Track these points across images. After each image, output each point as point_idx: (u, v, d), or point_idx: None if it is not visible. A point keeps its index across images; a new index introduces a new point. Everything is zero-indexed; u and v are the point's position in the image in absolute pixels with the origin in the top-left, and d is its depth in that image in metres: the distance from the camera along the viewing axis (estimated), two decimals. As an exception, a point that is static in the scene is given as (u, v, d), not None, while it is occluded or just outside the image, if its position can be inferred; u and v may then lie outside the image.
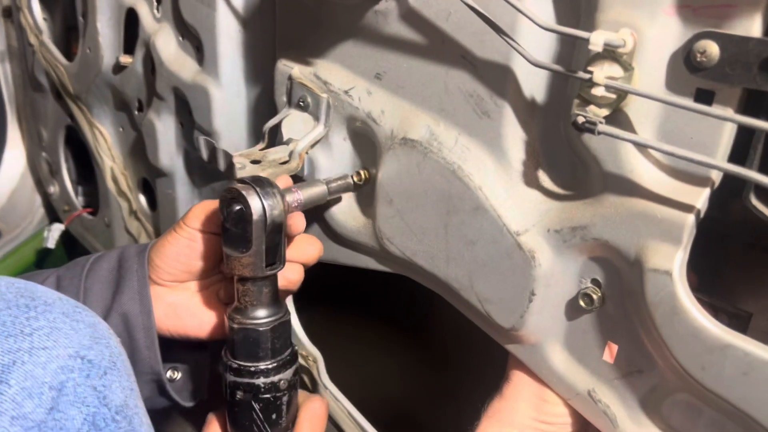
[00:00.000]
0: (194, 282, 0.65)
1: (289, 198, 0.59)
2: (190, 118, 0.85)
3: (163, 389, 0.64)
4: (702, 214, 0.45)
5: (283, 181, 0.62)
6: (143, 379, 0.62)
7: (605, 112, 0.46)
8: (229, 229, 0.55)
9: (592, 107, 0.46)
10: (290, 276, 0.64)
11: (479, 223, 0.56)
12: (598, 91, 0.45)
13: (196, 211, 0.62)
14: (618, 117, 0.46)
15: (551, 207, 0.54)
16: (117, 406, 0.45)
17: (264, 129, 0.68)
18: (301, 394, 0.63)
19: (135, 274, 0.62)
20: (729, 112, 0.41)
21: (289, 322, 0.59)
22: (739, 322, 0.54)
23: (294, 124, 0.67)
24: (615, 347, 0.52)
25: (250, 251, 0.54)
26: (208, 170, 0.91)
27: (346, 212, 0.69)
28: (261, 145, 0.68)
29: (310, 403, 0.62)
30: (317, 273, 0.69)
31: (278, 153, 0.66)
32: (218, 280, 0.66)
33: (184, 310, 0.63)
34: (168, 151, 0.94)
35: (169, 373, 0.66)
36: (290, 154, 0.66)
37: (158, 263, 0.62)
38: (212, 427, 0.62)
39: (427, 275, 0.63)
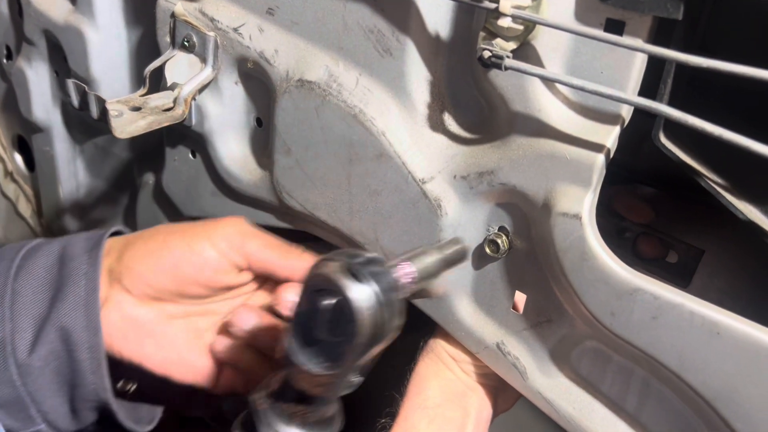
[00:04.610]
0: (172, 305, 0.54)
1: (398, 275, 0.40)
2: (65, 64, 0.76)
3: (110, 416, 0.53)
4: (612, 154, 0.43)
5: None
6: (85, 407, 0.52)
7: (512, 45, 0.43)
8: (309, 331, 0.38)
9: (498, 40, 0.43)
10: None
11: (383, 172, 0.53)
12: (505, 22, 0.41)
13: (230, 232, 0.52)
14: (525, 51, 0.43)
15: (458, 152, 0.51)
16: None
17: (145, 73, 0.61)
18: None
19: (83, 278, 0.49)
20: (639, 43, 0.39)
21: None
22: (690, 258, 0.53)
23: (178, 66, 0.61)
24: (523, 297, 0.50)
25: (336, 371, 0.37)
26: (90, 124, 0.82)
27: (241, 165, 0.64)
28: (142, 91, 0.61)
29: None
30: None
31: (161, 99, 0.59)
32: (203, 312, 0.55)
33: (148, 335, 0.52)
34: (42, 104, 0.84)
35: (120, 384, 0.55)
36: (175, 101, 0.59)
37: (137, 269, 0.51)
38: None
39: (331, 230, 0.59)
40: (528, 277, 0.50)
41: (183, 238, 0.52)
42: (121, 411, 0.54)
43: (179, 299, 0.54)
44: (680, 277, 0.54)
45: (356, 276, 0.36)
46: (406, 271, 0.41)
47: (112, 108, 0.56)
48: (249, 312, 0.55)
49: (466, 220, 0.51)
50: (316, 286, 0.37)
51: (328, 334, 0.37)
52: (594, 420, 0.50)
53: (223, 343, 0.55)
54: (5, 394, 0.49)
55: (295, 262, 0.54)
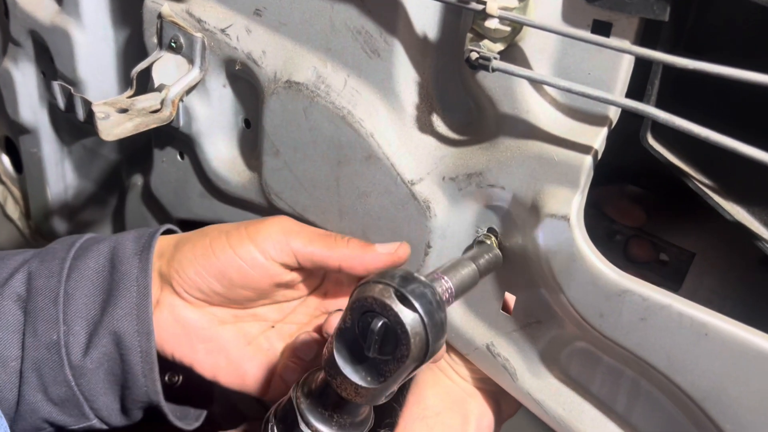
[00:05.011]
0: (222, 309, 0.54)
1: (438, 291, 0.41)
2: (52, 65, 0.76)
3: (160, 414, 0.53)
4: (599, 156, 0.43)
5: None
6: (136, 406, 0.52)
7: (500, 46, 0.42)
8: (355, 346, 0.39)
9: (486, 42, 0.42)
10: None
11: (372, 173, 0.52)
12: (492, 24, 0.41)
13: (273, 232, 0.51)
14: (513, 52, 0.43)
15: (446, 153, 0.50)
16: None
17: (132, 74, 0.60)
18: None
19: (134, 282, 0.50)
20: (626, 44, 0.38)
21: None
22: (681, 261, 0.53)
23: (166, 68, 0.60)
24: (513, 298, 0.50)
25: (379, 385, 0.39)
26: (78, 125, 0.82)
27: (229, 166, 0.64)
28: (129, 93, 0.60)
29: None
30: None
31: (148, 101, 0.59)
32: (253, 316, 0.55)
33: (200, 340, 0.52)
34: (30, 105, 0.84)
35: (167, 376, 0.55)
36: (162, 102, 0.59)
37: (186, 273, 0.51)
38: None
39: (320, 232, 0.59)
40: (517, 278, 0.50)
41: (228, 242, 0.51)
42: (170, 409, 0.54)
43: (229, 303, 0.53)
44: (671, 280, 0.54)
45: (404, 299, 0.37)
46: (444, 287, 0.43)
47: (99, 110, 0.55)
48: (311, 340, 0.55)
49: (455, 222, 0.51)
50: (363, 308, 0.38)
51: (374, 352, 0.38)
52: (584, 421, 0.50)
53: (290, 369, 0.55)
54: (61, 393, 0.50)
55: (342, 250, 0.52)
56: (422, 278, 0.39)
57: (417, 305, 0.37)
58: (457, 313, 0.54)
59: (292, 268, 0.53)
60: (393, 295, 0.37)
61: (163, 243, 0.54)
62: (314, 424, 0.43)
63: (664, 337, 0.41)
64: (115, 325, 0.49)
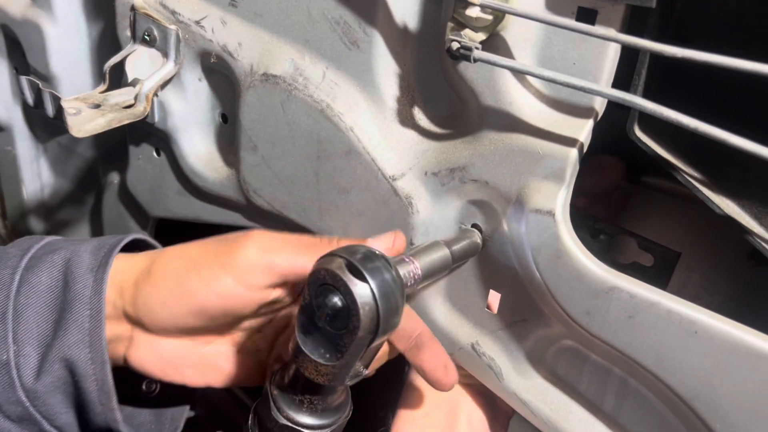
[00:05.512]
0: (204, 335, 0.50)
1: (402, 272, 0.42)
2: (25, 61, 0.73)
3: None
4: (585, 149, 0.41)
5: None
6: (97, 430, 0.48)
7: (481, 36, 0.41)
8: (313, 323, 0.39)
9: (467, 31, 0.41)
10: None
11: (352, 169, 0.51)
12: (473, 12, 0.40)
13: (253, 255, 0.45)
14: (495, 42, 0.41)
15: (428, 148, 0.49)
16: None
17: (105, 68, 0.59)
18: None
19: (87, 304, 0.45)
20: (612, 33, 0.37)
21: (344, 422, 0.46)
22: (666, 261, 0.52)
23: (140, 61, 0.58)
24: (497, 296, 0.49)
25: (338, 362, 0.39)
26: (53, 122, 0.80)
27: (206, 163, 0.62)
28: (102, 87, 0.59)
29: None
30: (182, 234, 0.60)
31: (122, 96, 0.57)
32: (238, 329, 0.51)
33: (187, 366, 0.49)
34: (2, 101, 0.81)
35: (144, 385, 0.52)
36: (136, 97, 0.57)
37: (157, 317, 0.46)
38: None
39: (300, 229, 0.57)
40: (502, 275, 0.48)
41: (200, 277, 0.46)
42: (141, 422, 0.51)
43: (211, 331, 0.50)
44: (657, 281, 0.53)
45: (357, 273, 0.37)
46: (409, 268, 0.43)
47: (69, 106, 0.53)
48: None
49: (438, 218, 0.49)
50: (319, 281, 0.38)
51: (330, 327, 0.38)
52: (571, 421, 0.48)
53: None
54: (17, 411, 0.47)
55: None
56: (383, 256, 0.38)
57: (368, 277, 0.37)
58: (440, 312, 0.53)
59: (277, 285, 0.49)
60: (344, 267, 0.37)
61: (124, 271, 0.48)
62: (285, 410, 0.42)
63: (653, 335, 0.40)
64: (66, 351, 0.45)
